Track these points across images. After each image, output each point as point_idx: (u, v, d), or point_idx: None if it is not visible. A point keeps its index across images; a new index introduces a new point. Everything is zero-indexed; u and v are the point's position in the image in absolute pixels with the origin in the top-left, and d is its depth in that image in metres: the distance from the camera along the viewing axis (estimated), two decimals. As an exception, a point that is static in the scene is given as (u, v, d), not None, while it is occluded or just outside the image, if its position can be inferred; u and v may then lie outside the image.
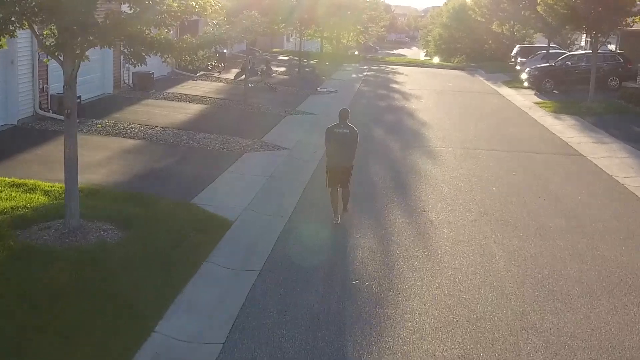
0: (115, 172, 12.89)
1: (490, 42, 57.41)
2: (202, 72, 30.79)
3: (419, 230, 11.04)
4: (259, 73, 33.12)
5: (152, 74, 23.65)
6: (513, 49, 43.36)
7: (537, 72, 32.13)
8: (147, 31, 9.13)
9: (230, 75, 32.15)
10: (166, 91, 23.98)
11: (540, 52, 38.07)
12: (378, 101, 27.50)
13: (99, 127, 16.69)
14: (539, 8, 27.36)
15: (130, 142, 15.66)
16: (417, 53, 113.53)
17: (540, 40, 48.63)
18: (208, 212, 10.83)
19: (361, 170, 13.87)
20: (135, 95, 22.39)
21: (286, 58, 44.67)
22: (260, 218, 11.19)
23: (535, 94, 31.21)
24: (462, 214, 11.99)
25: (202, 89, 25.89)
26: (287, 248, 9.83)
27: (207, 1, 9.47)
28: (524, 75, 33.24)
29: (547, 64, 33.23)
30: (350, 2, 50.15)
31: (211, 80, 29.07)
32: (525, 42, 50.07)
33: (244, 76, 32.50)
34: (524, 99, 29.60)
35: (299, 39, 50.14)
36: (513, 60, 41.72)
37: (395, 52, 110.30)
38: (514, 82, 36.01)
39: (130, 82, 23.44)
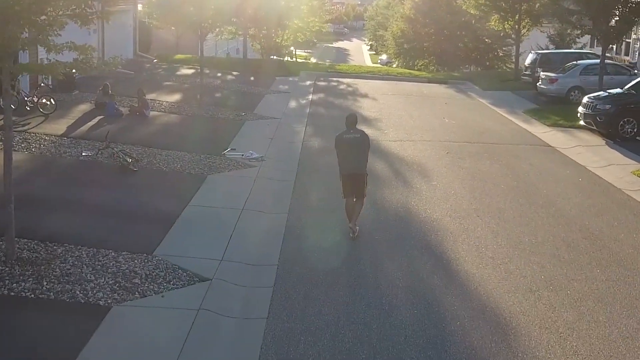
0: None
1: (466, 40, 44.28)
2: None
3: None
4: (122, 115, 18.67)
5: None
6: (526, 56, 29.89)
7: (609, 107, 18.80)
8: None
9: (68, 121, 17.46)
10: None
11: (579, 64, 24.70)
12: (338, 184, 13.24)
13: None
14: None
15: None
16: (358, 45, 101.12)
17: (535, 41, 35.50)
18: None
19: None
20: None
21: (191, 71, 29.43)
22: None
23: (607, 144, 18.20)
24: None
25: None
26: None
27: None
28: (581, 109, 19.76)
29: (623, 91, 19.83)
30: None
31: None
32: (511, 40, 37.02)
33: (99, 118, 17.73)
34: (605, 163, 16.23)
35: (219, 38, 35.58)
36: (527, 72, 28.26)
37: (335, 45, 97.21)
38: (547, 113, 22.66)
39: None
